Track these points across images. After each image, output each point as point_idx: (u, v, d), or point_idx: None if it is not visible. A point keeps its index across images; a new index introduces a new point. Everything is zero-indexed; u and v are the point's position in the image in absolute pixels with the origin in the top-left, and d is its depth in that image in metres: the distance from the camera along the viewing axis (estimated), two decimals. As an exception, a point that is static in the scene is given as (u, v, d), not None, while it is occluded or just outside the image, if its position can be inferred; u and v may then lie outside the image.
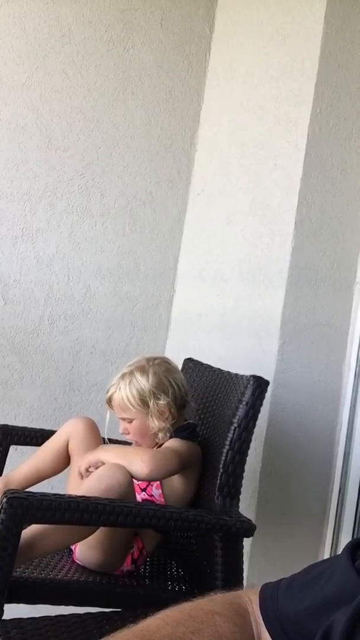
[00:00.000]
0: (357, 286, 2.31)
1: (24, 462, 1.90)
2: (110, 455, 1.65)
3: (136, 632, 0.72)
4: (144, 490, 1.75)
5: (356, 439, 2.25)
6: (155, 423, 1.74)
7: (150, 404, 1.72)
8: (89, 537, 1.61)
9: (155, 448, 1.77)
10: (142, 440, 1.80)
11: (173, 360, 1.88)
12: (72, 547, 1.71)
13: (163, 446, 1.73)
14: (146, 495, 1.74)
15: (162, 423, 1.74)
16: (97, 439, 1.87)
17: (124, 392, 1.73)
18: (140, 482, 1.76)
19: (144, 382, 1.73)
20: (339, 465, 2.28)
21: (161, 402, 1.72)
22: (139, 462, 1.59)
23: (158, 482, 1.75)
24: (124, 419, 1.78)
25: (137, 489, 1.72)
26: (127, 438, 1.82)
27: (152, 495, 1.75)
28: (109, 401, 1.78)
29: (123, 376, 1.76)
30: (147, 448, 1.73)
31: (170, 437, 1.76)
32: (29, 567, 1.57)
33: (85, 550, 1.65)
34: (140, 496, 1.73)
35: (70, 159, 2.43)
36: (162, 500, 1.73)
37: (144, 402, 1.73)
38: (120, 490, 1.54)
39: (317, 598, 0.76)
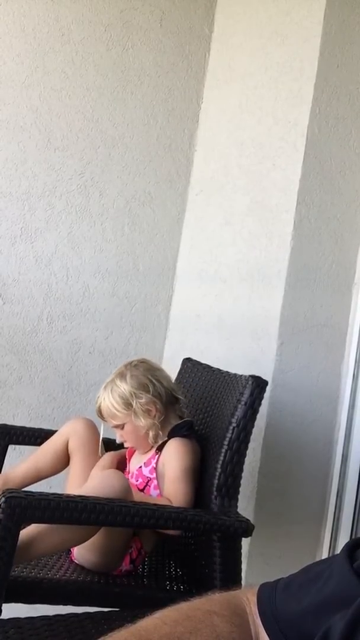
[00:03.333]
0: (356, 287, 2.31)
1: (23, 460, 1.91)
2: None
3: (134, 632, 0.72)
4: (142, 490, 1.76)
5: (354, 439, 2.25)
6: (142, 422, 1.76)
7: (134, 404, 1.75)
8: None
9: (155, 452, 1.77)
10: (138, 444, 1.82)
11: (172, 359, 1.90)
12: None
13: (168, 467, 1.73)
14: (145, 496, 1.74)
15: (149, 420, 1.76)
16: (97, 440, 1.88)
17: (108, 400, 1.77)
18: (138, 482, 1.77)
19: (123, 386, 1.76)
20: (337, 465, 2.28)
21: (143, 400, 1.75)
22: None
23: (156, 483, 1.75)
24: (116, 427, 1.81)
25: (135, 489, 1.72)
26: (126, 445, 1.84)
27: (150, 496, 1.75)
28: (99, 413, 1.82)
29: (105, 387, 1.80)
30: (164, 495, 1.72)
31: (169, 437, 1.76)
32: (27, 566, 1.57)
33: (84, 550, 1.65)
34: (138, 496, 1.73)
35: (69, 158, 2.43)
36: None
37: (127, 405, 1.76)
38: (115, 495, 1.54)
39: (315, 599, 0.76)
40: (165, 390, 1.79)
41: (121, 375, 1.79)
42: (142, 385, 1.77)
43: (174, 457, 1.73)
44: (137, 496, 1.67)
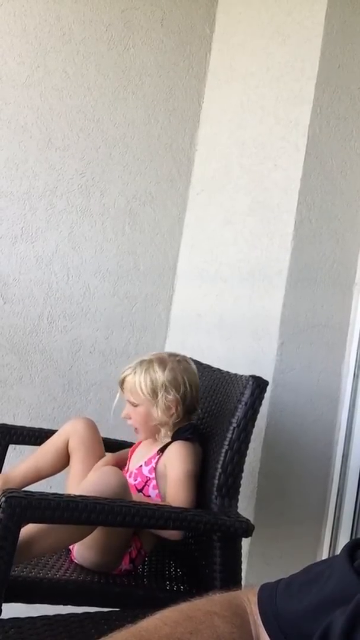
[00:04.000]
0: (357, 287, 2.31)
1: (23, 460, 1.91)
2: None
3: (134, 632, 0.72)
4: (140, 490, 1.76)
5: (355, 439, 2.25)
6: (159, 415, 1.76)
7: (160, 395, 1.75)
8: (87, 537, 1.61)
9: (157, 453, 1.77)
10: (141, 428, 1.81)
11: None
12: (70, 547, 1.72)
13: (171, 471, 1.72)
14: (143, 496, 1.74)
15: (165, 417, 1.75)
16: (97, 440, 1.88)
17: (138, 377, 1.76)
18: (137, 482, 1.77)
19: (159, 374, 1.75)
20: (337, 465, 2.28)
21: (170, 397, 1.75)
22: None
23: (155, 483, 1.75)
24: (129, 402, 1.80)
25: (133, 489, 1.72)
26: (128, 423, 1.83)
27: (149, 496, 1.75)
28: (122, 382, 1.81)
29: (141, 362, 1.79)
30: (168, 499, 1.72)
31: (173, 439, 1.76)
32: (27, 566, 1.57)
33: (84, 549, 1.65)
34: (137, 497, 1.73)
35: (70, 158, 2.43)
36: (159, 500, 1.73)
37: (154, 392, 1.75)
38: (112, 493, 1.54)
39: (315, 599, 0.76)
40: (191, 397, 1.79)
41: (161, 362, 1.78)
42: (175, 382, 1.76)
43: (177, 461, 1.72)
44: (136, 498, 1.68)
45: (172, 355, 1.82)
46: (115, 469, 1.67)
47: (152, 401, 1.75)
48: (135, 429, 1.82)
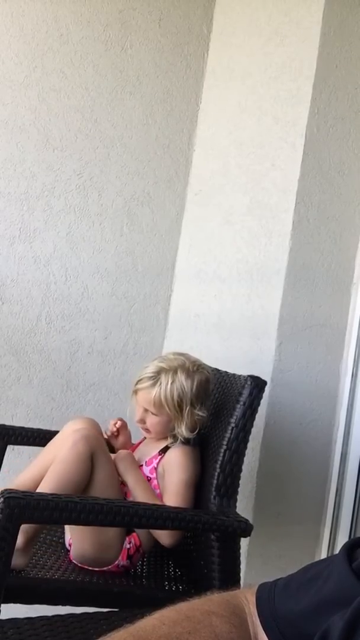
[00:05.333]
0: (355, 286, 2.31)
1: (27, 467, 1.84)
2: (132, 480, 1.69)
3: (133, 632, 0.72)
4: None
5: (353, 438, 2.25)
6: (182, 430, 1.70)
7: (186, 411, 1.68)
8: (82, 533, 1.62)
9: (159, 454, 1.77)
10: (154, 433, 1.78)
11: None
12: (68, 547, 1.72)
13: (169, 477, 1.71)
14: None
15: (189, 433, 1.70)
16: (102, 437, 1.85)
17: (164, 389, 1.67)
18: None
19: (188, 387, 1.68)
20: (336, 465, 2.28)
21: (197, 412, 1.68)
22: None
23: (155, 483, 1.75)
24: (148, 411, 1.73)
25: (137, 469, 1.73)
26: (141, 427, 1.79)
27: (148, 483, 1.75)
28: (138, 391, 1.73)
29: (165, 372, 1.69)
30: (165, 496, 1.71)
31: (174, 441, 1.76)
32: (26, 567, 1.57)
33: (80, 546, 1.66)
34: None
35: (68, 158, 2.43)
36: (161, 499, 1.73)
37: (180, 407, 1.68)
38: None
39: (314, 599, 0.76)
40: (208, 406, 1.75)
41: (187, 373, 1.68)
42: (201, 398, 1.70)
43: (176, 469, 1.71)
44: (133, 475, 1.67)
45: (193, 362, 1.73)
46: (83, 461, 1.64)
47: (177, 417, 1.70)
48: (147, 430, 1.79)
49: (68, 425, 1.83)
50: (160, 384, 1.68)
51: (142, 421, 1.77)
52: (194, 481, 1.72)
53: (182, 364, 1.72)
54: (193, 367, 1.72)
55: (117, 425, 1.87)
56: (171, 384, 1.67)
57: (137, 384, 1.75)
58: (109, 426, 1.87)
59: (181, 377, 1.68)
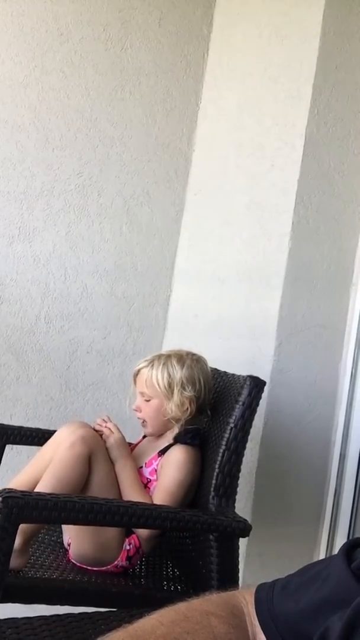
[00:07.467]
0: (354, 287, 2.31)
1: (25, 468, 1.81)
2: (126, 474, 1.71)
3: (131, 632, 0.72)
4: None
5: (352, 439, 2.25)
6: (172, 410, 1.76)
7: (175, 391, 1.75)
8: (82, 533, 1.62)
9: (158, 455, 1.77)
10: (150, 422, 1.80)
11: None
12: (67, 547, 1.72)
13: (164, 474, 1.71)
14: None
15: (179, 413, 1.76)
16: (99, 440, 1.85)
17: (155, 370, 1.77)
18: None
19: (177, 369, 1.76)
20: (335, 465, 2.28)
21: (186, 393, 1.75)
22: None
23: (156, 484, 1.75)
24: (143, 395, 1.80)
25: (135, 474, 1.73)
26: (137, 416, 1.83)
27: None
28: (136, 374, 1.82)
29: (159, 357, 1.80)
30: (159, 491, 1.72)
31: (175, 440, 1.76)
32: (24, 567, 1.57)
33: (79, 546, 1.66)
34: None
35: (67, 158, 2.43)
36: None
37: (170, 387, 1.76)
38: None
39: (313, 599, 0.76)
40: (204, 397, 1.79)
41: (180, 359, 1.79)
42: (192, 380, 1.77)
43: (172, 467, 1.71)
44: (129, 477, 1.70)
45: (190, 353, 1.83)
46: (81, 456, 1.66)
47: (167, 395, 1.76)
48: (144, 422, 1.82)
49: (63, 428, 1.80)
50: (153, 366, 1.78)
51: (139, 409, 1.81)
52: (188, 482, 1.71)
53: (177, 353, 1.82)
54: (187, 355, 1.81)
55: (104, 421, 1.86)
56: (163, 364, 1.78)
57: (135, 369, 1.85)
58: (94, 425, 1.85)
59: (173, 361, 1.78)
